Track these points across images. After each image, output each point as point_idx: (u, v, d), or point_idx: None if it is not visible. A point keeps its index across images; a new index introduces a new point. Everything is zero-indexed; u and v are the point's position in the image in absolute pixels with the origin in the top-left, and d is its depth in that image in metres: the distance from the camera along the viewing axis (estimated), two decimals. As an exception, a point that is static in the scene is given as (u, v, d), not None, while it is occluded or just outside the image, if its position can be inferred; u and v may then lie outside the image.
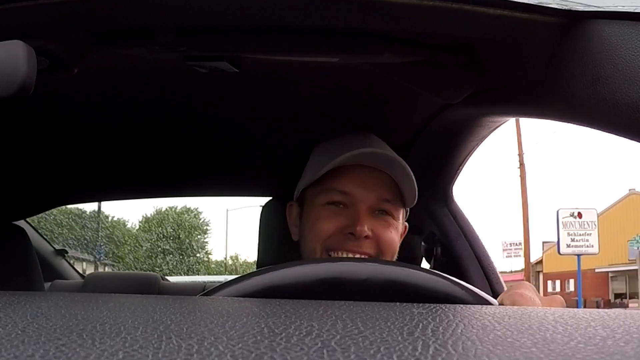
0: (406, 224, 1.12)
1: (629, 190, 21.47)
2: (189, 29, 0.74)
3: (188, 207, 24.50)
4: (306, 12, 0.69)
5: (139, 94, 1.17)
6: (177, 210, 23.97)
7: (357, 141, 1.01)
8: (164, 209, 24.07)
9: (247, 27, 0.74)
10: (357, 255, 0.95)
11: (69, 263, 2.43)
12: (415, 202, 1.04)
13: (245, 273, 0.60)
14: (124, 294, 0.43)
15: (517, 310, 0.36)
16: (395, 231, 1.02)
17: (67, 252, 2.40)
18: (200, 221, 24.56)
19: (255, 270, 0.69)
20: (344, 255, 0.95)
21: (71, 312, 0.32)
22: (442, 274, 0.60)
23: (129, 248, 21.53)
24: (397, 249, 1.02)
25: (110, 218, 21.97)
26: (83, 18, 0.69)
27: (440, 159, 1.36)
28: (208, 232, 25.13)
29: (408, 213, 1.10)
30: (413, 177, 1.00)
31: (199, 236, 24.31)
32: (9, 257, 1.51)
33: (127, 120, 1.30)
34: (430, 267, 1.41)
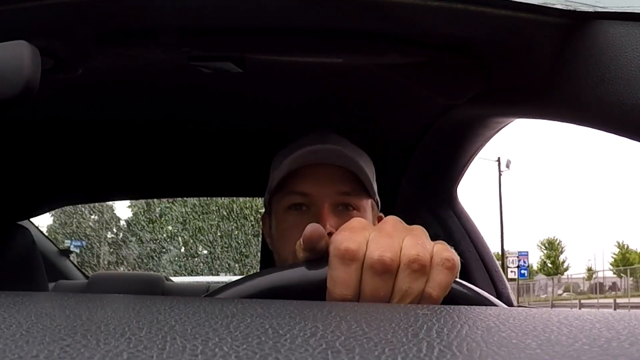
0: (381, 214, 1.10)
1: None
2: (193, 30, 0.74)
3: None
4: (311, 12, 0.69)
5: (143, 95, 1.17)
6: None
7: (310, 140, 1.01)
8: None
9: (252, 28, 0.74)
10: None
11: (73, 263, 2.44)
12: (376, 191, 1.04)
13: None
14: (128, 295, 0.43)
15: (521, 311, 0.36)
16: None
17: (71, 252, 2.41)
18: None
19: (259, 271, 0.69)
20: None
21: (75, 313, 0.32)
22: None
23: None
24: None
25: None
26: (88, 18, 0.69)
27: (445, 159, 1.35)
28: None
29: (379, 206, 1.09)
30: (366, 165, 1.00)
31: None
32: (14, 257, 1.52)
33: (132, 121, 1.30)
34: None
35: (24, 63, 0.52)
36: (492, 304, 0.56)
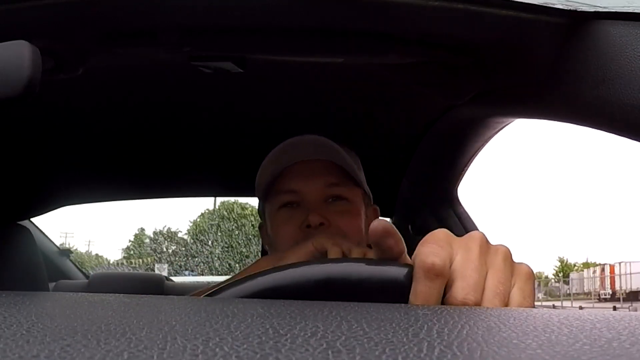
0: (376, 206, 1.12)
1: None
2: (194, 29, 0.74)
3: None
4: (311, 12, 0.69)
5: (144, 95, 1.17)
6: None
7: (288, 144, 1.02)
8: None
9: (252, 28, 0.74)
10: None
11: (73, 263, 2.44)
12: (364, 180, 1.06)
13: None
14: (128, 294, 0.43)
15: (522, 311, 0.36)
16: (356, 214, 1.01)
17: (71, 252, 2.41)
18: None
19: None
20: None
21: (76, 313, 0.31)
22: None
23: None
24: (363, 232, 1.00)
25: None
26: (88, 18, 0.69)
27: (445, 159, 1.35)
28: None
29: (371, 196, 1.10)
30: (349, 155, 1.02)
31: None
32: (14, 257, 1.51)
33: (132, 121, 1.30)
34: None
35: (24, 63, 0.52)
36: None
